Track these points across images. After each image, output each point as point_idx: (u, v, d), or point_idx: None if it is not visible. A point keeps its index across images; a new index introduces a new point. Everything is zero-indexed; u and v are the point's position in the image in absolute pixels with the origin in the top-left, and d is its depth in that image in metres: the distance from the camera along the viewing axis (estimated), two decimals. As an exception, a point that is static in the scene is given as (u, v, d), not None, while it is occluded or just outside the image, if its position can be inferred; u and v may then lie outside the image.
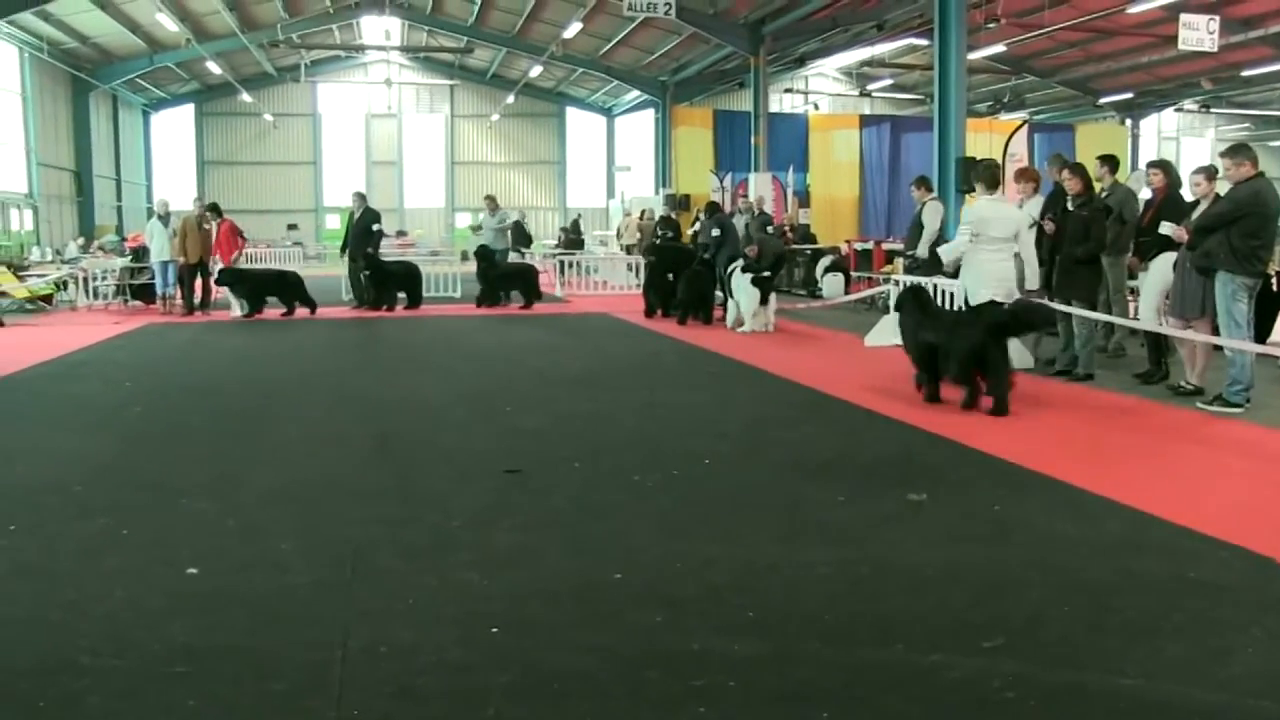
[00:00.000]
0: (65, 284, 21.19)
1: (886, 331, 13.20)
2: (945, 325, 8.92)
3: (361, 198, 19.65)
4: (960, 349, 8.45)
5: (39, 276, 21.42)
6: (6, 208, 33.13)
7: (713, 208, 18.51)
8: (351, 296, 19.80)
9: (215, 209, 19.64)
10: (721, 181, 30.79)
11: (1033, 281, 10.34)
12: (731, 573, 4.68)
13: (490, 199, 22.19)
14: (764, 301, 14.60)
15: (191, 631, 4.06)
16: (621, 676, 3.62)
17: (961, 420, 8.18)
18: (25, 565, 4.90)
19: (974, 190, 10.87)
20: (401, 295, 19.29)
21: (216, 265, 19.35)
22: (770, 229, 21.99)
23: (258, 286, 18.46)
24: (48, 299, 20.28)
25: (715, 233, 16.54)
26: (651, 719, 3.33)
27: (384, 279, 19.22)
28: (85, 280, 21.10)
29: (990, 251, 9.76)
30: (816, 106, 42.21)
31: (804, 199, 30.43)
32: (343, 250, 20.13)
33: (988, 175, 9.99)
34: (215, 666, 3.73)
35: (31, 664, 3.78)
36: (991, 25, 25.83)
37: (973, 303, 9.64)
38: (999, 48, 30.03)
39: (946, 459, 7.03)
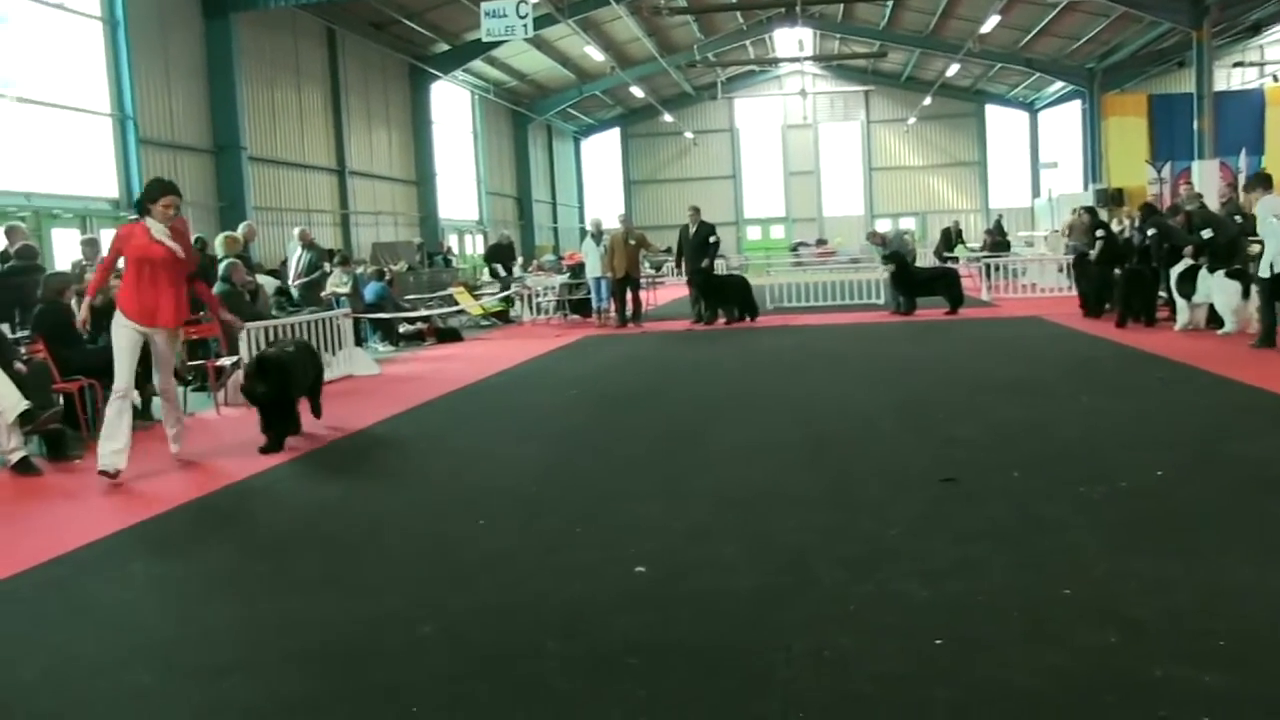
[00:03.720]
0: (512, 300, 22.96)
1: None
2: None
3: (696, 211, 19.93)
4: None
5: (490, 295, 23.36)
6: (462, 234, 36.40)
7: (1148, 209, 17.30)
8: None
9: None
10: (1159, 173, 28.71)
11: None
12: (1194, 595, 4.34)
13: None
14: (1245, 295, 13.33)
15: (641, 627, 4.28)
16: (1076, 700, 3.43)
17: None
18: (492, 557, 5.37)
19: None
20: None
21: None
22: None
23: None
24: (500, 315, 22.07)
25: (1151, 232, 15.49)
26: (1114, 747, 3.13)
27: (713, 292, 19.40)
28: (528, 297, 22.79)
29: None
30: (1276, 78, 38.29)
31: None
32: (677, 263, 20.27)
33: None
34: (663, 661, 3.90)
35: (501, 648, 4.12)
36: None
37: None
38: None
39: None
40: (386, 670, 3.96)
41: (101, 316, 8.58)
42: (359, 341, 16.00)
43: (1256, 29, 32.69)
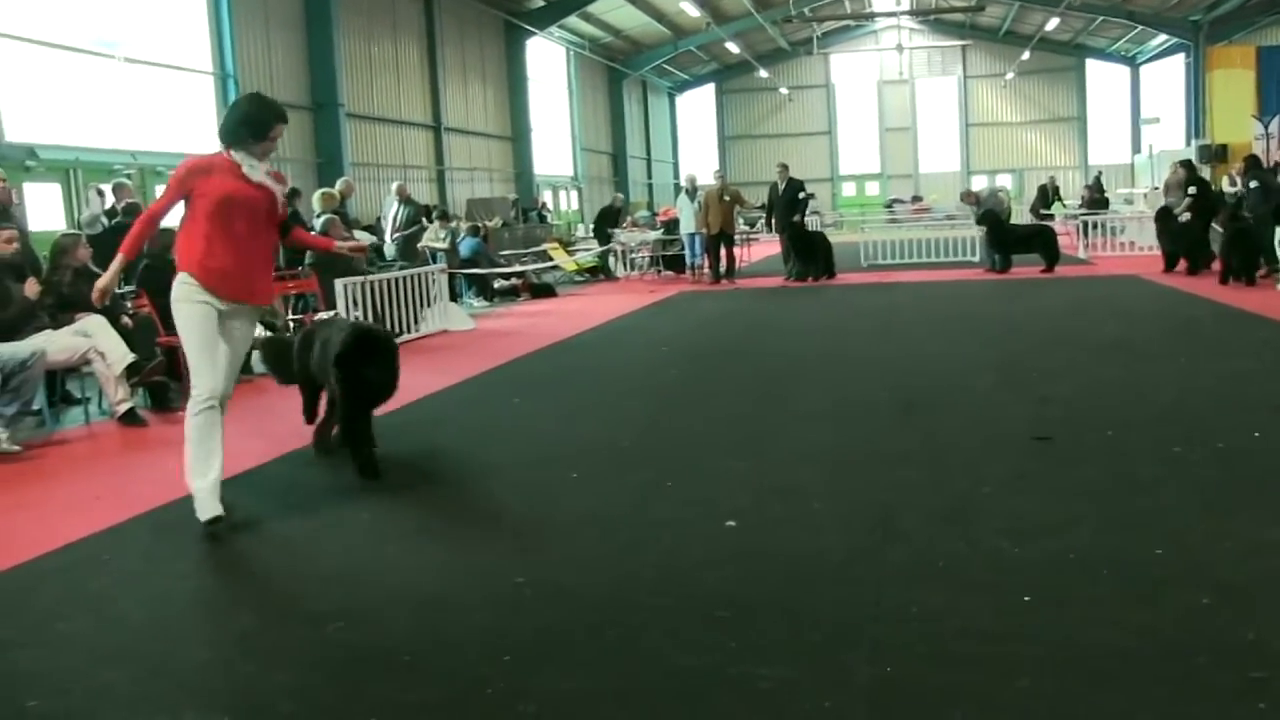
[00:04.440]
0: (606, 257, 23.09)
1: None
2: None
3: (785, 168, 19.78)
4: None
5: (585, 251, 23.52)
6: (557, 190, 36.59)
7: (1253, 161, 16.89)
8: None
9: None
10: (1266, 128, 27.83)
11: None
12: (1289, 558, 4.30)
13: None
14: None
15: (731, 580, 4.35)
16: (1166, 659, 3.43)
17: None
18: (588, 512, 5.46)
19: None
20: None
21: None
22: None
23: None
24: (594, 270, 22.23)
25: (1253, 185, 15.14)
26: (1203, 710, 3.12)
27: (805, 248, 19.26)
28: (623, 253, 22.90)
29: None
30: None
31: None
32: (767, 220, 20.11)
33: None
34: (753, 615, 3.97)
35: (598, 599, 4.24)
36: None
37: None
38: None
39: None
40: (482, 618, 4.08)
41: (156, 278, 8.09)
42: (454, 297, 16.24)
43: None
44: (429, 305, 13.99)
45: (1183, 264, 16.84)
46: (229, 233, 5.41)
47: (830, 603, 4.07)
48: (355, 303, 12.19)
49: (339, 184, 15.84)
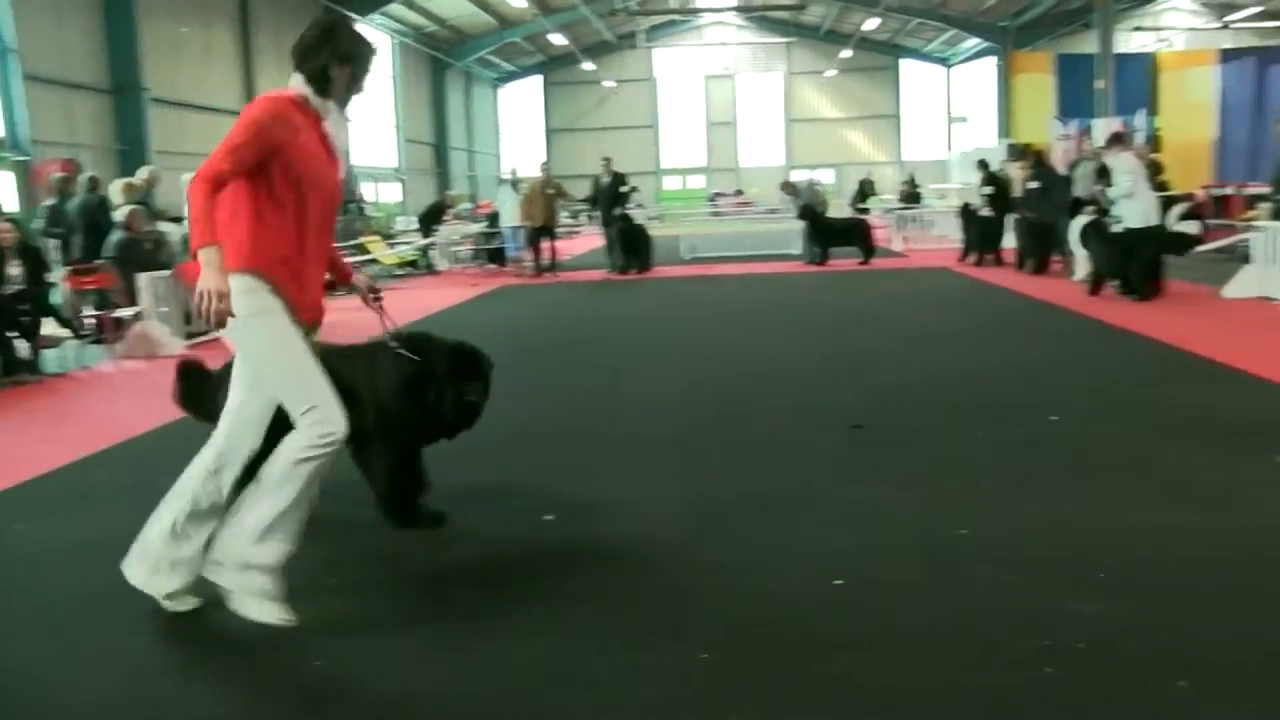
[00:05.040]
0: (426, 250, 22.78)
1: (1249, 282, 12.30)
2: None
3: (608, 162, 19.93)
4: None
5: (405, 244, 23.16)
6: (378, 181, 35.91)
7: (1035, 159, 17.88)
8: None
9: None
10: (1065, 128, 29.15)
11: None
12: (1084, 533, 4.49)
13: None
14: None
15: (549, 573, 4.30)
16: (968, 633, 3.55)
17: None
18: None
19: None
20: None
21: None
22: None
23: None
24: (414, 264, 21.91)
25: (1032, 185, 16.28)
26: (999, 678, 3.24)
27: (631, 241, 19.36)
28: (444, 246, 22.64)
29: None
30: (1170, 43, 39.18)
31: (1153, 144, 28.35)
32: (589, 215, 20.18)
33: None
34: (571, 607, 3.94)
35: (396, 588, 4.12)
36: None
37: None
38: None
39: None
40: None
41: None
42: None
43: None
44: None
45: (977, 255, 17.92)
46: (307, 223, 3.84)
47: (653, 591, 4.07)
48: (160, 299, 11.69)
49: (141, 173, 15.09)
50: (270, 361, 3.80)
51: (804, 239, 19.98)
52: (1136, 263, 12.40)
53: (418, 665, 3.51)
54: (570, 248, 24.00)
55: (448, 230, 23.63)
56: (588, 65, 48.90)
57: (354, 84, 3.93)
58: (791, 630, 3.64)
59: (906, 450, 6.05)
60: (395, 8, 34.18)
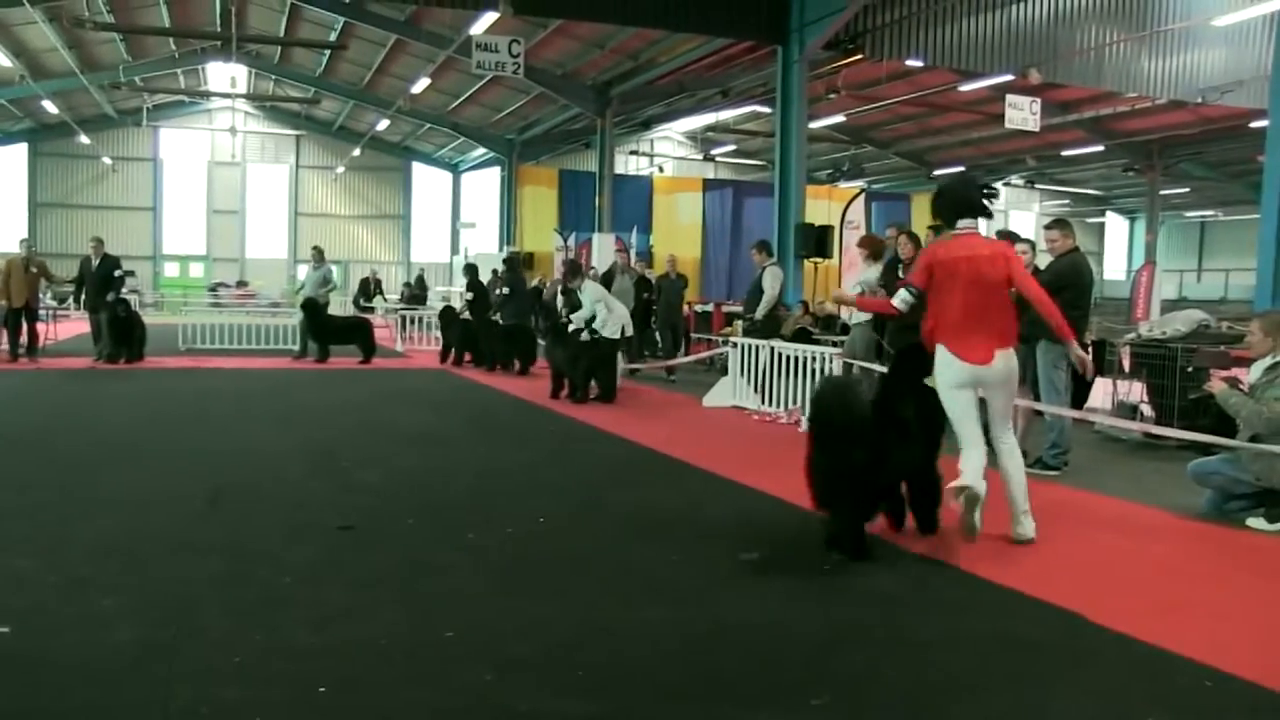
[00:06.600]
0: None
1: (725, 392, 13.46)
2: None
3: (100, 243, 18.97)
4: None
5: None
6: None
7: (508, 264, 19.85)
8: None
9: None
10: (565, 240, 30.87)
11: None
12: (565, 632, 4.68)
13: (317, 250, 20.74)
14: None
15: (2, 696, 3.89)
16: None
17: (793, 482, 8.31)
18: None
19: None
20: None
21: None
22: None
23: None
24: None
25: (504, 290, 18.41)
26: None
27: (123, 329, 18.10)
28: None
29: None
30: (661, 169, 42.75)
31: (648, 260, 30.67)
32: (76, 297, 19.29)
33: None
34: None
35: None
36: (832, 96, 26.55)
37: None
38: (839, 118, 31.29)
39: (780, 519, 7.13)
40: None
41: None
42: None
43: (648, 124, 36.49)
44: None
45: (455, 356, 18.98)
46: None
47: (119, 706, 3.80)
48: None
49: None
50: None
51: (301, 334, 19.58)
52: (579, 368, 13.62)
53: None
54: (56, 332, 22.09)
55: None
56: (84, 138, 45.60)
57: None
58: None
59: (393, 551, 6.04)
60: None
